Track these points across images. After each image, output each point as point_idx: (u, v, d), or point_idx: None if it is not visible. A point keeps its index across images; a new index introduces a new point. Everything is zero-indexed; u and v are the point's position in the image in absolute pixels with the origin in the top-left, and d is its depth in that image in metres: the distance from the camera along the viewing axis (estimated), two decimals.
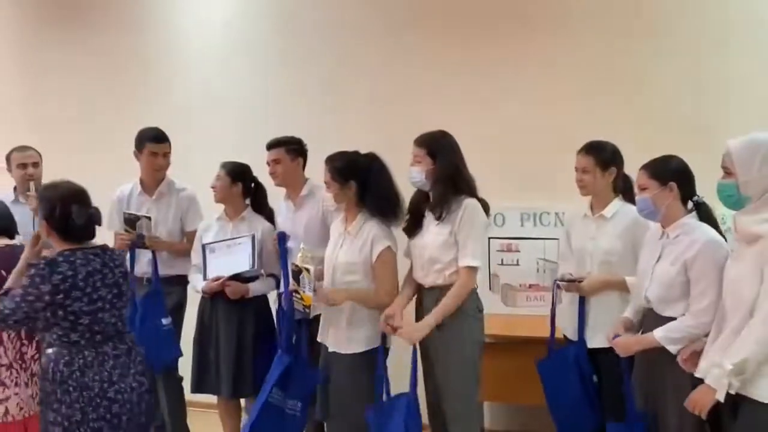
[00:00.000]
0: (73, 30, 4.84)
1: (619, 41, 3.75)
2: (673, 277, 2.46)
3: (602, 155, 2.90)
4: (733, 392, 2.09)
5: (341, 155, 2.94)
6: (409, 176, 2.88)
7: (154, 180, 3.73)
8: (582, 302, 2.94)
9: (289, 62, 4.38)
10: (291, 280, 2.97)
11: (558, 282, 3.01)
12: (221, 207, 3.59)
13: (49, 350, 2.42)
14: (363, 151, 2.99)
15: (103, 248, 2.53)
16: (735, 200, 2.19)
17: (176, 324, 3.71)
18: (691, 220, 2.52)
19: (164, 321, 3.55)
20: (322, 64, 4.29)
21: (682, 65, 3.66)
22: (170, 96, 4.60)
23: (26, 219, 3.72)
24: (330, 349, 2.93)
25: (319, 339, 3.03)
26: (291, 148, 3.44)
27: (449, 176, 2.81)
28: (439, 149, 2.83)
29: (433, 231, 2.83)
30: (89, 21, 4.80)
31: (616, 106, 3.72)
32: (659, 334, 2.45)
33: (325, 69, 4.28)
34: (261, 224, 3.54)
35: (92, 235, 2.51)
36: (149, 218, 3.56)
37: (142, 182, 3.76)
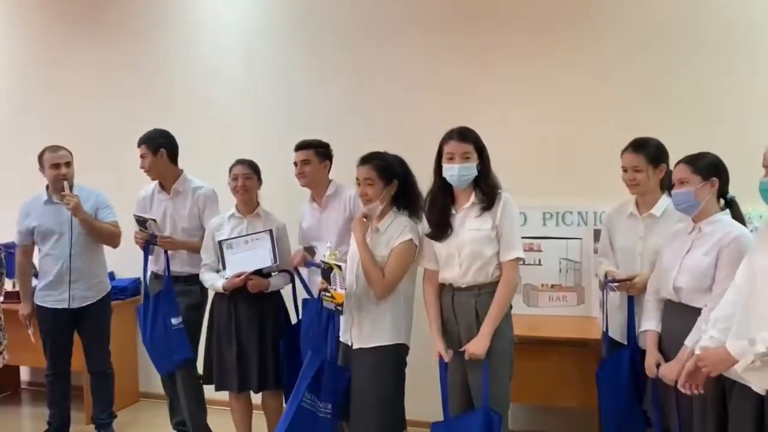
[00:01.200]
0: (83, 39, 4.86)
1: (640, 47, 3.70)
2: (705, 267, 2.48)
3: (652, 152, 2.85)
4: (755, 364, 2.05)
5: (379, 155, 2.94)
6: (457, 174, 2.77)
7: (166, 180, 3.76)
8: (631, 303, 2.89)
9: (307, 67, 4.37)
10: (320, 278, 2.95)
11: (610, 284, 2.92)
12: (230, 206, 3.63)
13: None
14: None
15: None
16: None
17: (197, 322, 3.71)
18: (726, 216, 2.56)
19: (174, 321, 3.55)
20: (338, 65, 4.28)
21: (720, 73, 3.61)
22: (179, 96, 4.62)
23: (61, 218, 3.77)
24: (355, 347, 2.91)
25: (342, 339, 3.00)
26: (320, 151, 3.49)
27: (488, 171, 2.84)
28: (482, 144, 2.84)
29: (471, 227, 2.79)
30: (98, 29, 4.82)
31: (637, 108, 3.67)
32: (692, 344, 2.42)
33: (339, 71, 4.27)
34: (275, 220, 3.58)
35: None
36: (155, 220, 3.64)
37: (160, 183, 3.81)
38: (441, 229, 2.83)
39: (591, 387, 3.29)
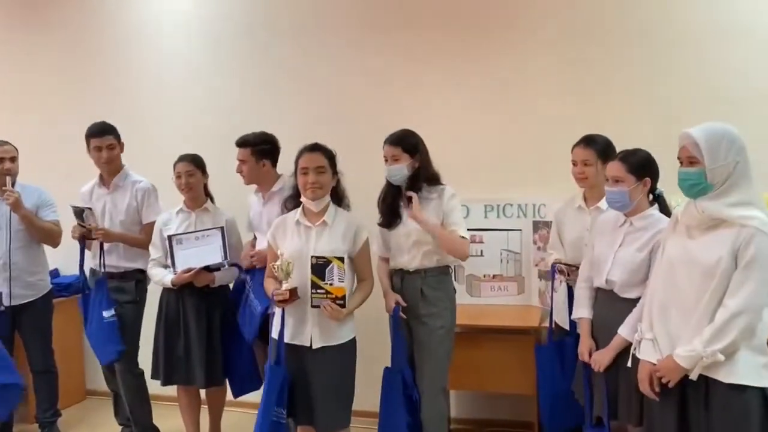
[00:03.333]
0: (27, 26, 4.79)
1: (573, 45, 3.82)
2: (639, 262, 2.59)
3: (601, 148, 2.96)
4: (698, 373, 2.19)
5: (324, 145, 2.97)
6: (388, 174, 3.07)
7: (109, 173, 3.74)
8: (571, 292, 3.01)
9: (252, 57, 4.38)
10: (311, 275, 2.82)
11: (555, 265, 3.07)
12: (179, 200, 3.60)
13: None
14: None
15: None
16: (700, 188, 2.24)
17: (133, 318, 3.68)
18: (656, 212, 2.67)
19: (105, 314, 3.54)
20: (286, 59, 4.30)
21: (649, 70, 3.74)
22: (126, 90, 4.60)
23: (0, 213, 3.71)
24: (315, 346, 2.86)
25: (292, 341, 2.88)
26: (257, 149, 3.45)
27: (425, 169, 3.07)
28: (415, 146, 3.07)
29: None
30: (44, 17, 4.75)
31: (577, 103, 3.79)
32: (624, 333, 2.57)
33: (289, 64, 4.29)
34: (224, 214, 3.59)
35: None
36: (91, 209, 3.61)
37: (100, 176, 3.78)
38: (391, 219, 3.10)
39: (530, 374, 3.42)
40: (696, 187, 2.25)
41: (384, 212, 3.14)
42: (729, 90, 3.56)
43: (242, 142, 3.47)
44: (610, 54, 3.76)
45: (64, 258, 4.36)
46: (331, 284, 2.79)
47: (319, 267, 2.80)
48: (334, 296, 2.79)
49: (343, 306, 2.80)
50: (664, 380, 2.29)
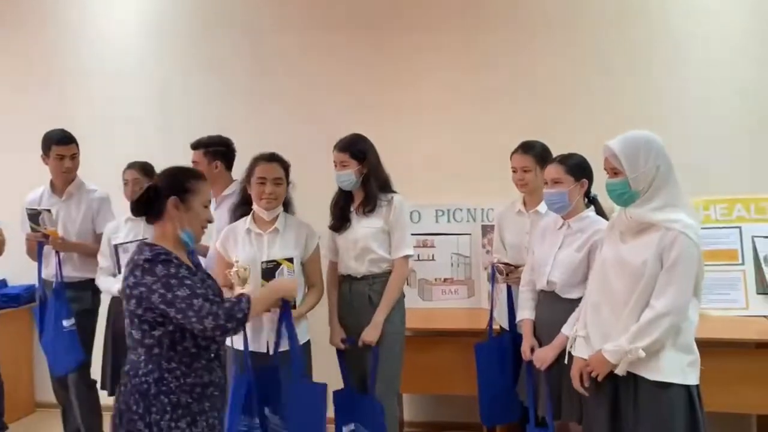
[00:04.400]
0: None
1: (524, 43, 3.93)
2: (578, 263, 2.67)
3: (539, 153, 3.03)
4: (624, 369, 2.26)
5: (280, 155, 2.98)
6: (337, 180, 3.07)
7: (63, 182, 3.68)
8: (510, 292, 3.09)
9: (208, 61, 4.37)
10: (261, 279, 2.79)
11: (495, 264, 3.14)
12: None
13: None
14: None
15: (142, 245, 2.22)
16: (628, 197, 2.32)
17: (88, 328, 3.64)
18: (592, 213, 2.76)
19: (65, 323, 3.48)
20: (241, 64, 4.31)
21: (587, 79, 3.87)
22: (80, 98, 4.53)
23: None
24: (273, 351, 2.84)
25: (252, 348, 2.83)
26: (210, 151, 3.44)
27: (375, 176, 3.06)
28: (363, 152, 3.05)
29: (363, 225, 3.04)
30: None
31: (522, 112, 3.90)
32: (567, 332, 2.64)
33: (244, 69, 4.30)
34: None
35: (147, 215, 2.25)
36: (49, 211, 3.51)
37: (52, 184, 3.71)
38: (341, 222, 3.09)
39: None
40: (623, 196, 2.33)
41: (335, 216, 3.13)
42: (671, 97, 3.72)
43: (195, 144, 3.45)
44: (553, 64, 3.90)
45: (13, 268, 4.28)
46: None
47: (269, 271, 2.80)
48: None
49: (293, 307, 2.79)
50: (593, 374, 2.36)
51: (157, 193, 2.20)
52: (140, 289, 2.09)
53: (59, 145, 3.57)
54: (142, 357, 2.13)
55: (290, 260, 2.80)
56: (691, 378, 2.26)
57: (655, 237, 2.25)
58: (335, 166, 3.08)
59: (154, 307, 2.09)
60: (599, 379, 2.35)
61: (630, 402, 2.31)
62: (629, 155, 2.29)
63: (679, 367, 2.25)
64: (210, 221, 2.32)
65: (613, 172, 2.34)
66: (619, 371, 2.29)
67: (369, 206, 3.04)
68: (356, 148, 3.05)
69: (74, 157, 3.62)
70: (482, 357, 3.16)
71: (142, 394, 2.10)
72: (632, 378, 2.30)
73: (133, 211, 2.26)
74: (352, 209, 3.10)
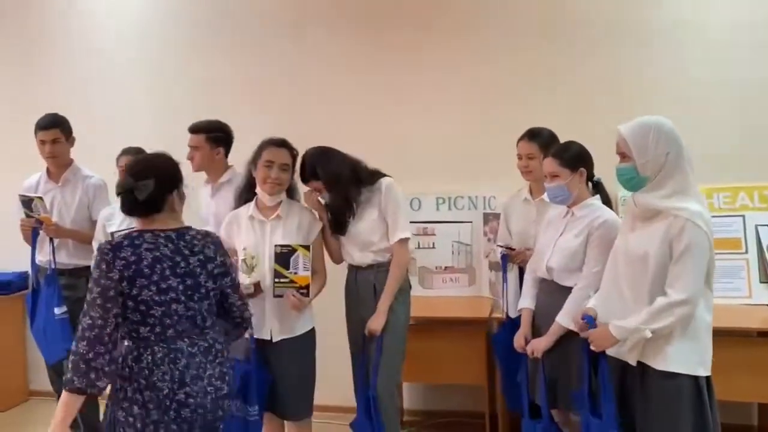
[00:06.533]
0: None
1: (531, 43, 3.90)
2: (576, 247, 2.64)
3: (545, 140, 2.98)
4: (630, 347, 2.26)
5: (291, 146, 2.94)
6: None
7: (56, 167, 3.62)
8: (520, 279, 3.06)
9: (205, 50, 4.32)
10: (275, 264, 2.78)
11: (500, 246, 3.12)
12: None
13: (124, 342, 2.13)
14: None
15: (181, 231, 2.18)
16: (635, 182, 2.30)
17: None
18: (596, 201, 2.73)
19: (57, 310, 3.42)
20: (240, 53, 4.27)
21: (593, 62, 3.84)
22: (74, 82, 4.48)
23: None
24: (276, 339, 2.85)
25: (256, 335, 2.83)
26: (212, 137, 3.32)
27: (341, 182, 2.91)
28: (316, 167, 2.91)
29: (360, 219, 2.96)
30: None
31: (520, 102, 3.86)
32: (561, 320, 2.63)
33: (243, 57, 4.26)
34: None
35: (148, 212, 2.18)
36: (41, 198, 3.46)
37: (48, 170, 3.66)
38: (339, 224, 2.98)
39: (481, 364, 3.48)
40: (631, 182, 2.31)
41: (331, 221, 3.02)
42: (680, 86, 3.69)
43: (196, 128, 3.30)
44: (559, 47, 3.86)
45: (4, 254, 4.22)
46: (295, 273, 2.76)
47: (284, 256, 2.78)
48: (298, 285, 2.75)
49: (306, 295, 2.78)
50: (593, 346, 2.35)
51: (161, 188, 2.16)
52: (227, 268, 2.24)
53: (40, 129, 3.51)
54: (212, 335, 2.21)
55: (307, 248, 2.78)
56: (700, 369, 2.24)
57: (662, 225, 2.23)
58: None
59: (223, 288, 2.24)
60: (597, 350, 2.34)
61: (637, 391, 2.30)
62: (638, 140, 2.26)
63: (686, 357, 2.23)
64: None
65: (623, 156, 2.32)
66: (630, 358, 2.27)
67: (349, 213, 2.95)
68: (310, 172, 2.93)
69: (56, 141, 3.53)
70: (499, 346, 3.14)
71: (230, 371, 2.24)
72: (640, 367, 2.28)
73: (138, 210, 2.17)
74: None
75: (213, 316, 2.21)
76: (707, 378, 2.26)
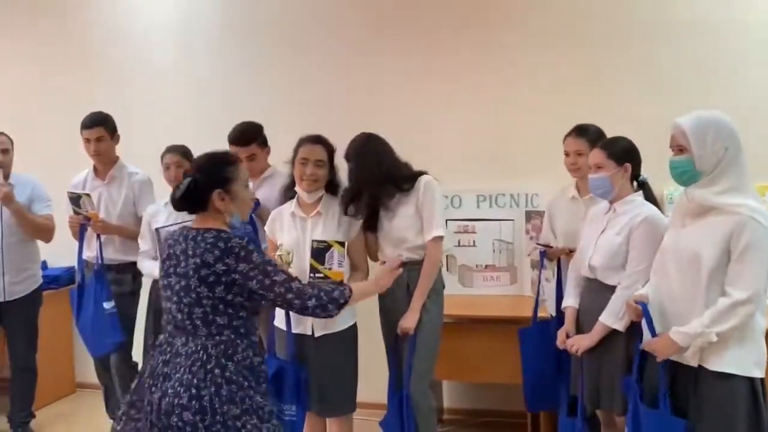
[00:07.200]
0: (18, 14, 4.72)
1: (567, 42, 3.84)
2: (617, 245, 2.59)
3: (593, 137, 2.92)
4: (694, 353, 2.19)
5: (325, 138, 2.95)
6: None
7: (102, 165, 3.68)
8: (559, 278, 3.03)
9: (243, 49, 4.36)
10: (311, 258, 2.80)
11: (537, 245, 3.09)
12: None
13: None
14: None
15: (201, 231, 2.17)
16: (689, 176, 2.25)
17: (129, 311, 3.66)
18: (639, 197, 2.67)
19: (106, 305, 3.48)
20: (277, 53, 4.30)
21: (638, 60, 3.76)
22: (116, 82, 4.56)
23: None
24: (317, 334, 2.87)
25: (294, 330, 2.86)
26: (260, 141, 3.34)
27: (378, 179, 2.90)
28: (351, 155, 2.93)
29: (395, 215, 2.94)
30: (36, 13, 4.70)
31: (564, 97, 3.80)
32: (605, 320, 2.58)
33: (281, 60, 4.29)
34: None
35: (191, 209, 2.24)
36: (89, 195, 3.52)
37: (95, 168, 3.72)
38: (373, 219, 2.99)
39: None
40: (685, 175, 2.26)
41: (368, 213, 3.00)
42: (724, 80, 3.59)
43: (246, 140, 3.27)
44: (601, 46, 3.79)
45: (53, 250, 4.31)
46: (330, 269, 2.78)
47: (319, 251, 2.80)
48: (332, 281, 2.76)
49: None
50: (658, 357, 2.30)
51: (198, 187, 2.19)
52: (233, 276, 2.11)
53: (85, 128, 3.58)
54: (234, 337, 2.16)
55: (342, 244, 2.80)
56: (755, 370, 2.19)
57: (719, 221, 2.18)
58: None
59: (251, 292, 2.14)
60: (660, 359, 2.29)
61: (690, 390, 2.25)
62: (698, 132, 2.21)
63: (742, 359, 2.18)
64: (254, 199, 2.32)
65: (679, 149, 2.27)
66: (692, 361, 2.22)
67: (401, 192, 2.93)
68: (346, 155, 2.96)
69: (100, 139, 3.59)
70: (526, 342, 3.10)
71: (250, 368, 2.17)
72: (693, 368, 2.23)
73: (177, 207, 2.25)
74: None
75: (211, 324, 2.13)
76: (762, 379, 2.21)
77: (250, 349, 2.20)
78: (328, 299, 2.21)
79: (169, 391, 2.07)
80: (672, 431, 2.26)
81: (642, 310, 2.35)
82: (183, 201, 2.21)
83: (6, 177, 3.64)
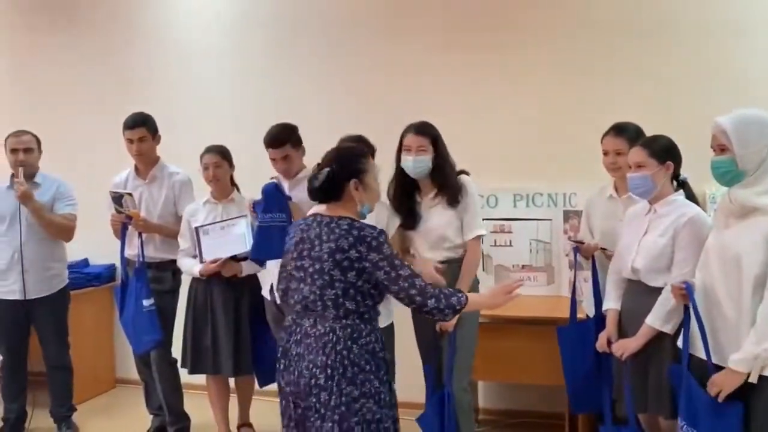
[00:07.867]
0: (64, 26, 4.83)
1: (614, 38, 3.80)
2: (661, 248, 2.55)
3: (632, 136, 2.87)
4: (758, 374, 2.11)
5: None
6: (413, 166, 2.94)
7: (144, 165, 3.73)
8: (596, 278, 3.00)
9: (280, 49, 4.39)
10: None
11: (575, 247, 3.06)
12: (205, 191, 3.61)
13: None
14: None
15: (335, 218, 2.28)
16: (732, 176, 2.20)
17: (169, 308, 3.70)
18: (680, 197, 2.63)
19: (146, 302, 3.53)
20: (315, 55, 4.31)
21: (678, 58, 3.71)
22: (152, 83, 4.63)
23: (13, 205, 3.67)
24: None
25: None
26: (293, 141, 3.29)
27: (448, 161, 2.99)
28: (438, 137, 2.99)
29: (436, 213, 2.98)
30: (79, 16, 4.80)
31: (603, 96, 3.77)
32: (651, 322, 2.53)
33: (313, 57, 4.31)
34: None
35: (324, 199, 2.34)
36: (131, 194, 3.57)
37: (136, 167, 3.77)
38: (410, 219, 3.03)
39: (560, 364, 3.38)
40: (727, 175, 2.21)
41: (404, 212, 3.05)
42: (754, 79, 3.53)
43: (281, 141, 3.25)
44: (642, 42, 3.74)
45: (94, 247, 4.41)
46: None
47: None
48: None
49: None
50: (722, 394, 2.18)
51: (336, 178, 2.30)
52: (364, 264, 2.21)
53: (127, 128, 3.62)
54: (359, 322, 2.26)
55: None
56: None
57: (761, 223, 2.12)
58: (409, 151, 2.96)
59: (378, 282, 2.24)
60: (724, 392, 2.18)
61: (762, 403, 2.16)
62: (740, 132, 2.17)
63: None
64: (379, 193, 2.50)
65: (720, 149, 2.22)
66: (753, 379, 2.13)
67: (446, 194, 2.96)
68: (432, 133, 2.99)
69: (142, 140, 3.62)
70: (564, 341, 3.06)
71: (371, 353, 2.26)
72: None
73: (313, 196, 2.36)
74: (418, 199, 3.04)
75: (340, 307, 2.23)
76: None
77: (373, 334, 2.29)
78: (446, 303, 2.27)
79: (305, 372, 2.23)
80: (728, 412, 2.18)
81: (686, 290, 2.30)
82: (321, 191, 2.32)
83: (31, 176, 3.70)
